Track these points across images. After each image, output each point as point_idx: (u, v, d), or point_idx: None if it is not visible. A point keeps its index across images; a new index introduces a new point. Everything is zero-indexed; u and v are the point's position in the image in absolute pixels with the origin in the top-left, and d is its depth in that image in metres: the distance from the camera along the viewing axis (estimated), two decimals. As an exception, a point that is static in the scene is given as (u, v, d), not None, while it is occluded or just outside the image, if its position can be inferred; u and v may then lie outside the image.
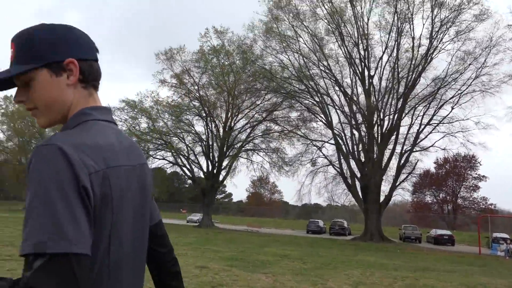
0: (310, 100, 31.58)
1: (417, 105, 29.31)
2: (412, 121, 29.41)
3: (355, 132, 30.68)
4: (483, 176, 54.42)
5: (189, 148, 37.36)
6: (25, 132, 52.74)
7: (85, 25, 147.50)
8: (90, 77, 1.03)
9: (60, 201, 0.78)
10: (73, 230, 0.77)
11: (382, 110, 29.56)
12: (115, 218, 0.91)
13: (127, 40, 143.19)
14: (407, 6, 27.65)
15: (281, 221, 57.97)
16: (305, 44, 29.93)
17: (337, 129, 30.91)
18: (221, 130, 36.49)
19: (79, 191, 0.81)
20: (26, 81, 0.98)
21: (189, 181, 78.02)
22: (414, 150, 29.73)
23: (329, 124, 30.54)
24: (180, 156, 36.92)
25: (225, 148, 36.02)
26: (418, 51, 27.99)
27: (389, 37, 28.47)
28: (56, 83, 0.98)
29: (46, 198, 0.78)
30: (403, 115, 29.05)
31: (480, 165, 54.44)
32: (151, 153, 36.86)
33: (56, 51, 0.98)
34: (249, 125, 36.57)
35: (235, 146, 36.62)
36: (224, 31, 33.30)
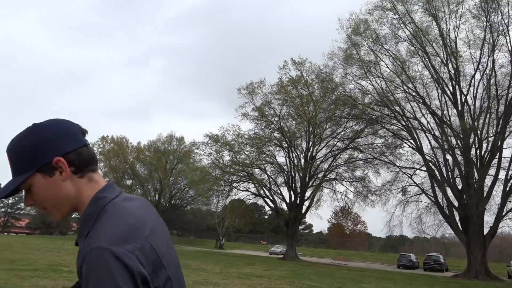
0: (395, 125, 30.06)
1: (521, 124, 26.36)
2: (517, 143, 26.44)
3: (448, 157, 28.40)
4: None
5: (271, 179, 37.45)
6: (119, 168, 57.19)
7: (168, 69, 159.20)
8: (82, 165, 1.07)
9: None
10: None
11: (479, 132, 27.05)
12: (167, 273, 1.00)
13: (207, 79, 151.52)
14: (500, 17, 25.55)
15: (367, 254, 54.91)
16: (387, 67, 28.88)
17: (428, 155, 28.86)
18: (302, 160, 36.14)
19: (135, 282, 0.89)
20: (27, 188, 1.05)
21: (269, 212, 78.27)
22: (521, 174, 26.51)
23: (419, 150, 28.62)
24: (263, 187, 37.07)
25: (307, 178, 35.46)
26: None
27: (481, 52, 26.38)
28: (52, 183, 1.04)
29: None
30: (506, 136, 26.26)
31: None
32: (234, 184, 37.57)
33: (43, 154, 1.03)
34: (330, 154, 35.80)
35: (318, 176, 35.90)
36: (302, 62, 33.59)
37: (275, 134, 36.32)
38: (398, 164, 31.21)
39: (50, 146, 1.06)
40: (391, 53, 28.74)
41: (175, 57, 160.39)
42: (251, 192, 37.73)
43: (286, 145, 36.15)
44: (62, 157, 1.06)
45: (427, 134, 28.69)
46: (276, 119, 35.51)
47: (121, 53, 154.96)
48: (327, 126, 34.81)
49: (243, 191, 37.99)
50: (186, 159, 55.86)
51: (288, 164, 36.85)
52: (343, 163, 36.19)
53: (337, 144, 35.67)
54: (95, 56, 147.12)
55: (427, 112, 28.83)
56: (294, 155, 36.45)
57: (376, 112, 30.04)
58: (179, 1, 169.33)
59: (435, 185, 28.44)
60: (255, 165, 36.83)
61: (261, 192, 37.35)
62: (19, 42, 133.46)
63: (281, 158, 39.84)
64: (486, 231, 27.08)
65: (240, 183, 37.63)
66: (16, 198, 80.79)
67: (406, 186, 30.69)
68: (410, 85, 28.33)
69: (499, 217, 26.90)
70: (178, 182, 58.79)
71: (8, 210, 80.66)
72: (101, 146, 58.53)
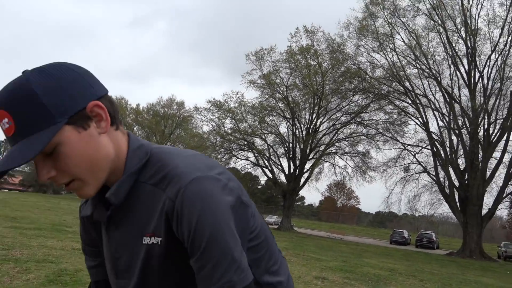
0: (404, 101, 29.59)
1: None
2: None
3: (453, 137, 28.14)
4: None
5: (271, 150, 37.12)
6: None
7: (171, 32, 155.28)
8: (116, 114, 0.84)
9: (231, 235, 0.78)
10: (244, 260, 0.79)
11: (487, 113, 26.69)
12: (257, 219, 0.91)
13: (210, 45, 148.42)
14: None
15: (359, 228, 55.74)
16: (402, 41, 28.06)
17: (435, 133, 28.57)
18: (304, 132, 35.73)
19: (242, 203, 0.84)
20: (49, 151, 0.76)
21: (262, 183, 78.63)
22: (525, 159, 26.41)
23: (425, 127, 28.29)
24: (262, 157, 36.81)
25: (308, 151, 35.17)
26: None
27: (501, 32, 25.60)
28: (88, 138, 0.78)
29: (221, 234, 0.77)
30: (515, 119, 25.96)
31: None
32: (234, 153, 37.24)
33: (72, 98, 0.76)
34: (333, 127, 35.39)
35: (319, 148, 35.60)
36: (314, 30, 32.50)
37: (280, 104, 35.67)
38: (401, 142, 31.01)
39: (79, 89, 0.77)
40: (408, 26, 27.88)
41: (179, 20, 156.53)
42: (250, 161, 37.50)
43: (289, 116, 35.59)
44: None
45: (435, 112, 28.30)
46: (282, 88, 34.71)
47: (126, 12, 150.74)
48: (333, 99, 34.22)
49: (242, 159, 37.74)
50: (185, 124, 55.21)
51: (290, 135, 36.47)
52: (345, 137, 35.89)
53: (341, 118, 35.24)
54: (98, 14, 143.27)
55: (437, 90, 28.32)
56: (296, 127, 36.01)
57: (385, 87, 29.46)
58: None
59: (438, 164, 28.32)
60: (257, 135, 36.38)
61: (260, 162, 37.14)
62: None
63: (283, 128, 39.40)
64: (483, 212, 27.25)
65: (240, 151, 37.33)
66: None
67: (409, 164, 30.63)
68: (424, 61, 27.63)
69: (498, 199, 27.03)
70: (176, 147, 58.24)
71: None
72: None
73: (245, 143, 36.35)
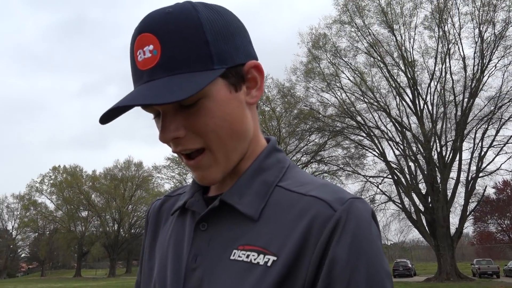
0: (359, 135, 30.61)
1: (476, 128, 27.61)
2: (474, 145, 27.59)
3: (411, 163, 29.12)
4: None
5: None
6: (73, 199, 53.84)
7: (123, 95, 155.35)
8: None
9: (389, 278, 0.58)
10: None
11: (437, 137, 28.03)
12: None
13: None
14: (451, 26, 26.89)
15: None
16: (348, 79, 29.48)
17: (393, 162, 29.45)
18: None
19: None
20: (186, 104, 0.59)
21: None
22: (479, 176, 27.62)
23: (383, 158, 29.18)
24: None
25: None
26: (473, 71, 26.72)
27: (436, 61, 27.56)
28: (237, 102, 0.62)
29: (388, 274, 0.59)
30: (463, 140, 27.37)
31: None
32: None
33: (235, 48, 0.61)
34: (295, 168, 35.64)
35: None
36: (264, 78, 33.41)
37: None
38: (363, 174, 31.64)
39: (242, 41, 0.62)
40: (350, 65, 29.43)
41: (128, 82, 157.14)
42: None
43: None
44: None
45: (389, 142, 29.34)
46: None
47: (74, 81, 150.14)
48: (291, 141, 34.79)
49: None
50: (145, 185, 53.81)
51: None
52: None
53: (302, 158, 35.68)
54: (47, 86, 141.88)
55: (388, 121, 29.58)
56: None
57: (338, 123, 30.45)
58: (127, 29, 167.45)
59: (401, 191, 28.96)
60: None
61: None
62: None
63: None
64: (452, 232, 27.81)
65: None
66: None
67: (374, 195, 31.10)
68: (370, 95, 29.01)
69: (463, 218, 27.77)
70: (138, 209, 56.34)
71: None
72: (53, 177, 55.09)
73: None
